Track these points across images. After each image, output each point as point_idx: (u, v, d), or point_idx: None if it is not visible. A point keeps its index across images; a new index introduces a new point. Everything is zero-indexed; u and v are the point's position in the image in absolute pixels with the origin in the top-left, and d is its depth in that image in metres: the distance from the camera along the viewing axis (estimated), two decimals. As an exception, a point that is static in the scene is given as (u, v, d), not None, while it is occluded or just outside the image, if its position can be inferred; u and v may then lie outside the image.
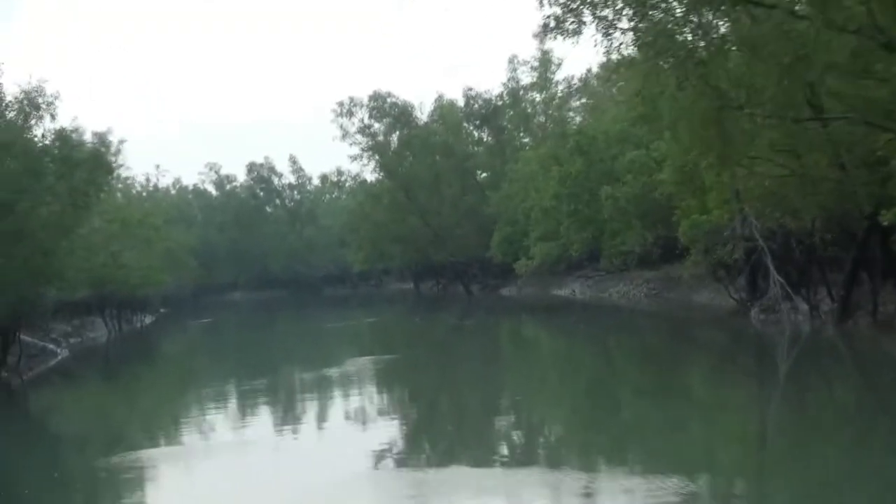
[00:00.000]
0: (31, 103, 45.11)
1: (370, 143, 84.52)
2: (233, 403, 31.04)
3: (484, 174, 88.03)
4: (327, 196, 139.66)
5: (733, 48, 23.53)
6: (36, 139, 44.69)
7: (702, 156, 28.23)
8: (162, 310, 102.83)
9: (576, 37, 32.82)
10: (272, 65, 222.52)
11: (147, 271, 72.11)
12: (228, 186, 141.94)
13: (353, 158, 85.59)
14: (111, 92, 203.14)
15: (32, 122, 45.31)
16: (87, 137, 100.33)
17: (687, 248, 44.93)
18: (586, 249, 58.39)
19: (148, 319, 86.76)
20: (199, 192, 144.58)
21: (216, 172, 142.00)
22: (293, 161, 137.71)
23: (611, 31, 27.71)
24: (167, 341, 67.77)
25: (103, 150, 47.09)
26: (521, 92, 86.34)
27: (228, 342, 60.93)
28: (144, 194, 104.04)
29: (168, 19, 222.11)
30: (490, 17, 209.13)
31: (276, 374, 37.72)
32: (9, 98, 43.24)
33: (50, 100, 45.34)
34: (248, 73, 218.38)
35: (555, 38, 33.28)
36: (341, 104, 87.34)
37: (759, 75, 21.98)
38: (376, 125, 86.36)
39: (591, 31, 31.44)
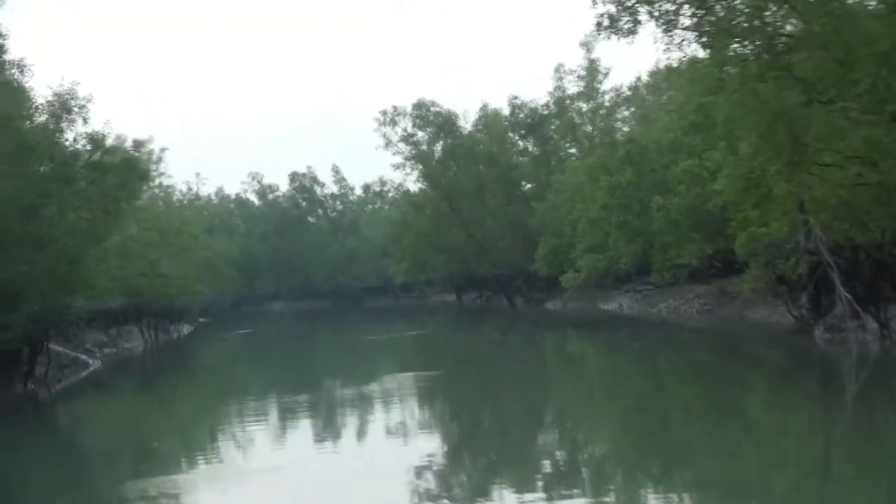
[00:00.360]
0: (63, 106, 43.70)
1: (413, 151, 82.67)
2: (271, 420, 29.25)
3: (528, 185, 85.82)
4: (370, 206, 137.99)
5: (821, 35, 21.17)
6: (67, 143, 43.36)
7: (769, 162, 25.99)
8: (201, 319, 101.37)
9: (630, 36, 30.86)
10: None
11: (185, 281, 70.59)
12: (271, 196, 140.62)
13: (396, 167, 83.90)
14: (144, 98, 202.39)
15: (64, 125, 44.14)
16: (128, 144, 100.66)
17: (743, 262, 42.70)
18: (635, 262, 56.06)
19: (186, 329, 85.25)
20: (241, 202, 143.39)
21: (258, 182, 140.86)
22: (336, 171, 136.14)
23: (672, 27, 25.66)
24: (205, 352, 66.11)
25: (136, 154, 44.46)
26: (568, 101, 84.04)
27: (267, 353, 59.14)
28: (185, 202, 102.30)
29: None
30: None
31: (315, 389, 35.90)
32: (39, 100, 41.86)
33: (82, 103, 44.00)
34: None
35: (608, 37, 31.38)
36: (384, 112, 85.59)
37: (852, 65, 19.66)
38: (420, 134, 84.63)
39: (647, 30, 29.68)
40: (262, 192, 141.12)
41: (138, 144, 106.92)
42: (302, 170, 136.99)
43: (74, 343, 56.83)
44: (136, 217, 64.88)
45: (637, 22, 30.16)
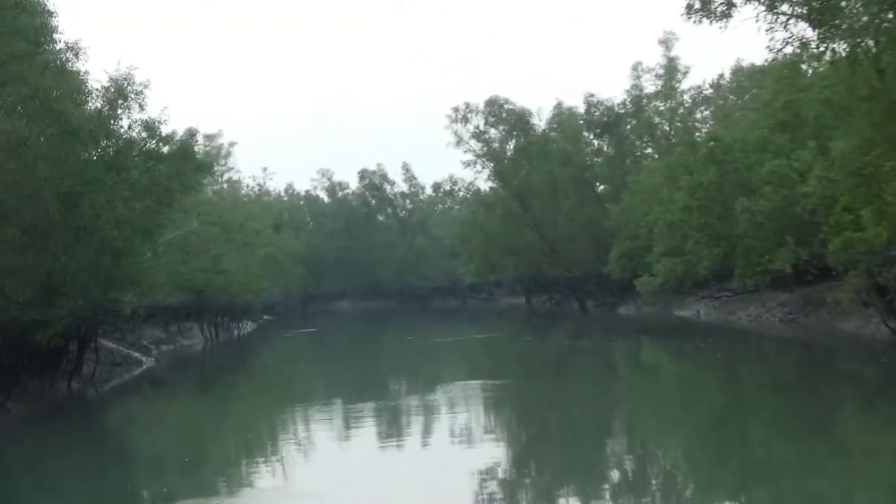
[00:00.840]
0: (119, 92, 41.54)
1: (484, 149, 79.88)
2: (329, 431, 26.69)
3: (602, 186, 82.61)
4: (440, 206, 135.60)
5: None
6: (122, 130, 41.20)
7: (883, 157, 22.88)
8: (266, 317, 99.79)
9: (724, 20, 28.15)
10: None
11: (247, 277, 68.52)
12: (340, 193, 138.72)
13: (466, 165, 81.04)
14: (215, 92, 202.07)
15: (120, 111, 41.99)
16: (198, 138, 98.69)
17: (834, 269, 39.43)
18: (715, 267, 52.77)
19: (250, 327, 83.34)
20: (310, 199, 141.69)
21: (328, 179, 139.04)
22: (406, 169, 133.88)
23: (776, 4, 22.72)
24: (265, 351, 63.95)
25: (191, 142, 42.08)
26: (644, 101, 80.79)
27: (330, 354, 56.90)
28: (252, 197, 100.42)
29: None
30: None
31: (377, 396, 33.38)
32: (94, 85, 39.73)
33: (139, 89, 41.80)
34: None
35: (699, 21, 28.70)
36: (456, 109, 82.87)
37: None
38: (492, 132, 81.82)
39: (742, 13, 27.11)
40: (332, 189, 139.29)
41: (209, 138, 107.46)
42: (371, 167, 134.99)
43: (130, 339, 55.04)
44: (198, 211, 63.04)
45: (732, 4, 27.39)
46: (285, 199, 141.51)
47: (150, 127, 41.10)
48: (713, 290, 61.59)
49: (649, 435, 23.64)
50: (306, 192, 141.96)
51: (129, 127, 41.13)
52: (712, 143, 50.07)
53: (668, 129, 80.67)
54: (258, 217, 75.83)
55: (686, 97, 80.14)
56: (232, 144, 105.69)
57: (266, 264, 78.53)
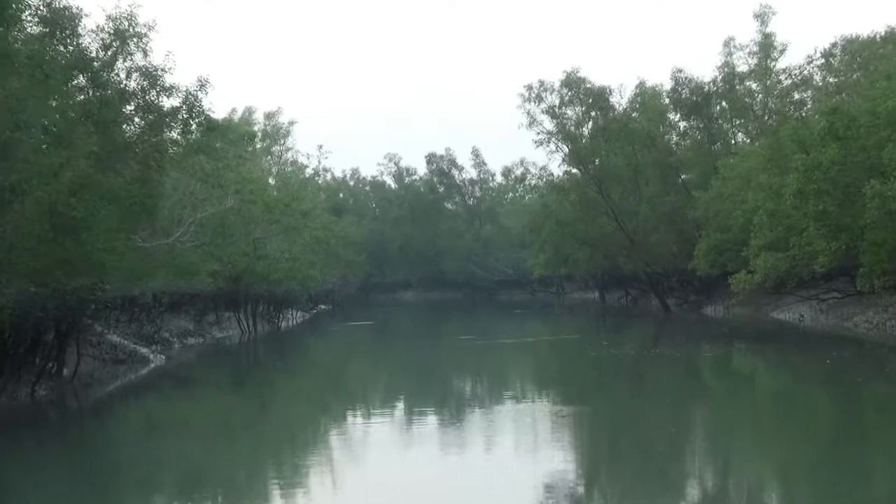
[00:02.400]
0: (117, 33, 33.40)
1: (559, 129, 70.66)
2: (358, 464, 18.84)
3: (687, 174, 72.97)
4: (510, 195, 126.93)
5: None
6: (118, 79, 33.03)
7: None
8: (321, 307, 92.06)
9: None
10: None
11: (293, 263, 60.38)
12: (407, 179, 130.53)
13: (539, 144, 71.78)
14: (275, 75, 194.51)
15: (119, 58, 33.84)
16: (258, 117, 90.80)
17: None
18: (835, 264, 43.50)
19: (299, 317, 75.25)
20: (376, 184, 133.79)
21: (395, 164, 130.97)
22: (475, 154, 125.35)
23: None
24: (309, 347, 55.49)
25: (202, 96, 33.68)
26: (736, 81, 71.12)
27: (381, 355, 48.12)
28: (302, 176, 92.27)
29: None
30: None
31: (419, 415, 24.93)
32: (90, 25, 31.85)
33: (143, 30, 33.65)
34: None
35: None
36: (529, 87, 74.03)
37: None
38: (568, 112, 72.62)
39: None
40: (399, 174, 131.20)
41: (269, 116, 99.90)
42: (440, 152, 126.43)
43: (148, 331, 47.17)
44: (236, 188, 55.28)
45: None
46: (351, 184, 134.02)
47: (151, 75, 33.16)
48: (819, 291, 52.04)
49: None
50: (373, 177, 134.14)
51: (128, 74, 33.65)
52: (833, 115, 40.56)
53: (761, 111, 71.09)
54: (308, 198, 67.32)
55: (783, 77, 70.39)
56: (292, 123, 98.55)
57: (318, 250, 70.52)
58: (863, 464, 17.46)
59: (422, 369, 37.84)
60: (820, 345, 40.67)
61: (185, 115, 33.35)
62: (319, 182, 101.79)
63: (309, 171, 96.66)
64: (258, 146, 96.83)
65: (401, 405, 27.74)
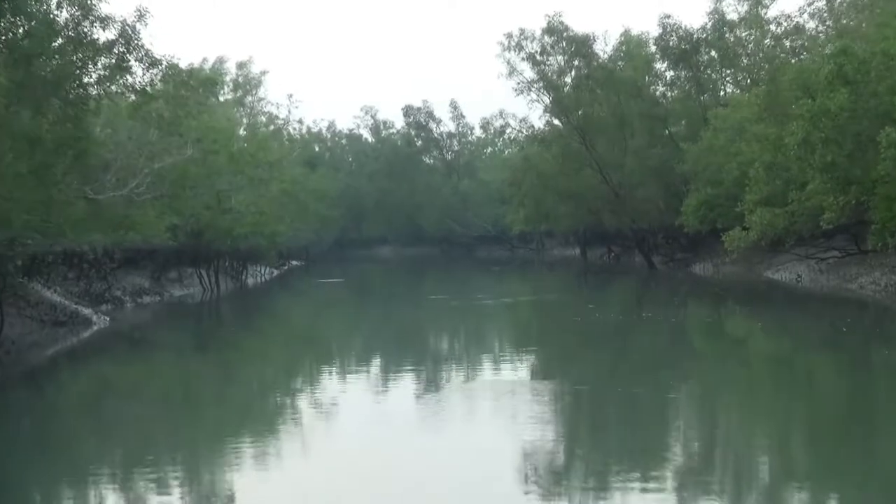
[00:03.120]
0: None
1: (540, 75, 66.31)
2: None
3: (674, 126, 68.84)
4: (489, 149, 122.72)
5: None
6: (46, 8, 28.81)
7: None
8: (294, 263, 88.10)
9: None
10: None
11: (259, 217, 56.37)
12: (384, 133, 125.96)
13: (519, 92, 67.50)
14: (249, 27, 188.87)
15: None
16: (230, 67, 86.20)
17: None
18: (843, 220, 39.62)
19: (269, 274, 71.22)
20: (353, 137, 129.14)
21: (372, 116, 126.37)
22: (454, 107, 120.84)
23: None
24: (268, 308, 51.24)
25: (140, 27, 29.47)
26: (726, 29, 66.78)
27: (342, 317, 44.13)
28: (272, 128, 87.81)
29: None
30: None
31: (386, 395, 20.92)
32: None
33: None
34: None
35: None
36: (509, 35, 69.67)
37: None
38: (550, 61, 68.27)
39: None
40: (376, 127, 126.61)
41: (240, 66, 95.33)
42: (417, 104, 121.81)
43: (97, 289, 43.24)
44: (197, 136, 51.22)
45: None
46: (327, 137, 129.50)
47: (84, 4, 28.94)
48: (818, 250, 48.31)
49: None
50: (349, 130, 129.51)
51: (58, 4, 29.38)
52: (842, 57, 36.60)
53: (752, 61, 67.07)
54: (276, 149, 63.00)
55: (773, 26, 66.30)
56: (263, 73, 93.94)
57: (288, 204, 66.48)
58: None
59: (386, 335, 33.89)
60: (824, 308, 37.05)
61: (121, 50, 29.21)
62: (292, 133, 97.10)
63: (279, 122, 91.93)
64: (229, 97, 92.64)
65: (361, 381, 23.80)
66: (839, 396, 19.28)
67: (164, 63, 31.90)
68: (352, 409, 18.81)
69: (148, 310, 44.62)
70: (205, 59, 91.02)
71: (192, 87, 53.71)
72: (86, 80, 28.18)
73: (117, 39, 29.06)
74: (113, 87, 30.43)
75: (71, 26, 28.59)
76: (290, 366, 27.16)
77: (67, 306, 36.34)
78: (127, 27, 29.06)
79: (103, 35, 29.13)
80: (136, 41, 29.25)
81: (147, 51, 29.92)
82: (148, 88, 33.01)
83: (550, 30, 67.05)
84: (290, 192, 62.50)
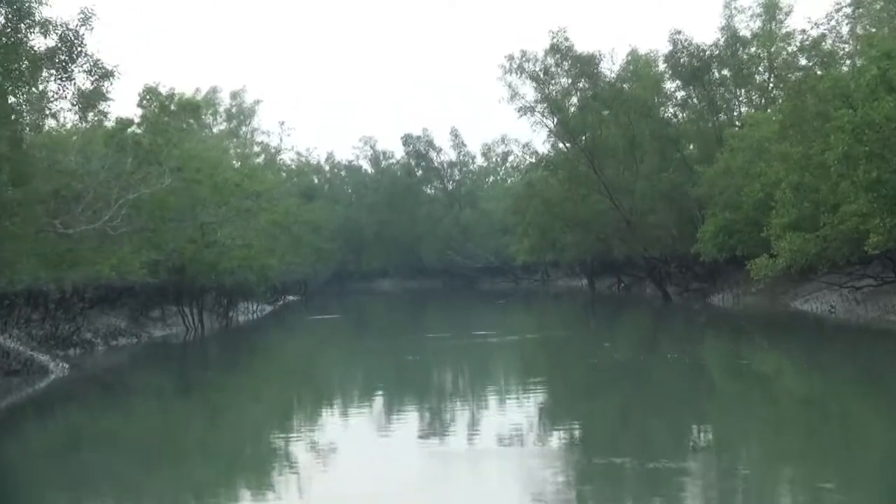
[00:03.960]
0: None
1: (544, 96, 61.74)
2: None
3: (687, 148, 64.36)
4: (491, 178, 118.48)
5: None
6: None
7: None
8: (290, 298, 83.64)
9: None
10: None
11: (246, 251, 52.13)
12: (384, 163, 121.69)
13: (523, 112, 62.97)
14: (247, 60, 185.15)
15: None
16: (224, 96, 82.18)
17: None
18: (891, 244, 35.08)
19: (260, 311, 66.68)
20: (352, 169, 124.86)
21: (371, 147, 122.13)
22: (454, 135, 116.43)
23: None
24: (252, 348, 46.26)
25: (84, 31, 25.22)
26: (738, 46, 62.47)
27: (334, 358, 39.51)
28: (263, 157, 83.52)
29: None
30: None
31: (370, 469, 16.49)
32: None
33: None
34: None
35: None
36: (511, 58, 65.51)
37: None
38: (552, 84, 63.76)
39: None
40: (376, 158, 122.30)
41: (234, 96, 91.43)
42: (416, 132, 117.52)
43: (64, 332, 38.92)
44: (177, 165, 47.16)
45: None
46: (326, 168, 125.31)
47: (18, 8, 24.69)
48: (851, 278, 43.83)
49: None
50: (348, 161, 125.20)
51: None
52: (886, 61, 32.27)
53: (767, 80, 62.89)
54: (263, 178, 58.61)
55: (786, 42, 62.13)
56: (257, 102, 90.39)
57: (279, 237, 62.21)
58: None
59: (376, 383, 29.32)
60: (868, 342, 32.53)
61: (63, 58, 24.97)
62: (287, 162, 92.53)
63: (272, 151, 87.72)
64: (222, 127, 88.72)
65: (344, 438, 19.35)
66: None
67: (117, 74, 27.21)
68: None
69: (122, 353, 40.43)
70: (197, 90, 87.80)
71: (172, 113, 49.88)
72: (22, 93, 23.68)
73: (58, 46, 24.76)
74: (67, 107, 25.93)
75: (7, 32, 24.44)
76: (259, 422, 22.68)
77: (22, 353, 31.89)
78: (69, 32, 24.75)
79: (43, 42, 24.97)
80: (79, 48, 24.90)
81: (96, 60, 25.53)
82: (103, 105, 28.60)
83: (554, 48, 62.53)
84: (280, 224, 58.05)
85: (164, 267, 48.17)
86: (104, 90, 28.60)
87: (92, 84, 27.32)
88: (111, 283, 44.08)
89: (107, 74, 27.00)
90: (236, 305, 61.90)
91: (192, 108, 48.16)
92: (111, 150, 46.51)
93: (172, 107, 48.98)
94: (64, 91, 26.45)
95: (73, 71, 25.66)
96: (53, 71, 25.26)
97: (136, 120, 48.73)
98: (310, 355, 41.39)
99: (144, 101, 48.15)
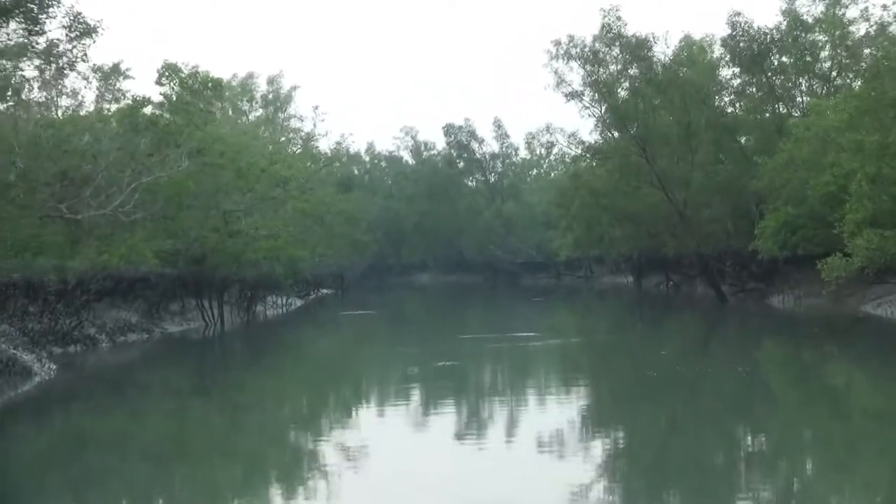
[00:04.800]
0: None
1: (591, 81, 56.79)
2: None
3: (744, 138, 59.52)
4: (534, 171, 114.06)
5: None
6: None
7: None
8: (325, 291, 79.66)
9: None
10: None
11: (273, 241, 48.17)
12: (426, 154, 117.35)
13: (570, 97, 58.21)
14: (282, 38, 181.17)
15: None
16: (261, 82, 78.17)
17: None
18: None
19: (290, 305, 62.68)
20: (393, 160, 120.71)
21: (412, 137, 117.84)
22: (497, 125, 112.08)
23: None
24: (270, 348, 41.79)
25: None
26: (798, 31, 57.47)
27: (355, 361, 35.23)
28: (297, 146, 79.48)
29: None
30: None
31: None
32: None
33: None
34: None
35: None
36: (557, 43, 61.04)
37: None
38: (601, 71, 58.87)
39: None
40: (417, 149, 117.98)
41: (271, 81, 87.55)
42: (458, 122, 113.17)
43: (66, 326, 35.15)
44: (196, 147, 43.41)
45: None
46: (366, 159, 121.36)
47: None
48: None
49: None
50: (389, 152, 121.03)
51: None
52: None
53: (830, 66, 58.11)
54: (291, 164, 54.40)
55: (856, 27, 57.24)
56: (294, 88, 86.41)
57: (311, 227, 58.25)
58: None
59: (399, 394, 25.11)
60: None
61: (31, 5, 20.98)
62: (320, 149, 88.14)
63: (302, 136, 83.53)
64: (258, 113, 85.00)
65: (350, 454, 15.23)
66: None
67: (101, 30, 23.21)
68: None
69: (129, 350, 36.62)
70: (234, 75, 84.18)
71: (194, 91, 46.01)
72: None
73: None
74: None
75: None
76: (259, 439, 18.57)
77: (3, 351, 28.01)
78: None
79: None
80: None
81: (77, 14, 21.55)
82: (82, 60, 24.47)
83: (605, 28, 57.18)
84: (309, 214, 53.89)
85: (183, 257, 44.46)
86: (85, 48, 24.45)
87: (70, 42, 23.25)
88: (122, 274, 40.39)
89: (88, 31, 23.09)
90: (264, 299, 57.95)
91: (215, 86, 44.17)
92: (123, 130, 42.91)
93: (196, 85, 45.02)
94: (34, 46, 22.34)
95: (44, 22, 21.68)
96: (22, 21, 21.31)
97: (160, 99, 45.12)
98: (326, 358, 37.03)
99: (164, 79, 44.22)
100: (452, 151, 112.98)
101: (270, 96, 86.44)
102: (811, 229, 45.45)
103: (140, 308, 43.84)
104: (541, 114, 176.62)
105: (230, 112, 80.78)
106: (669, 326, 45.93)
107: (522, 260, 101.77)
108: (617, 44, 55.37)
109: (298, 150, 77.14)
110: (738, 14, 54.66)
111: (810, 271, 50.43)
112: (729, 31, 54.99)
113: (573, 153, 76.95)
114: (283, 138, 78.86)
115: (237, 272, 47.52)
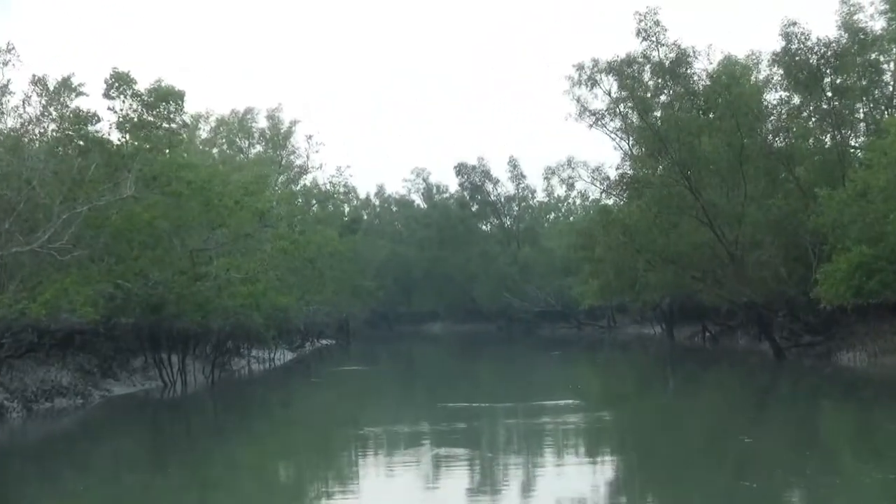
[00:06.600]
0: None
1: (627, 95, 47.95)
2: None
3: (800, 168, 50.29)
4: (552, 214, 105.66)
5: None
6: None
7: None
8: (323, 342, 71.43)
9: None
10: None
11: (250, 287, 39.83)
12: (438, 197, 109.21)
13: (596, 119, 49.73)
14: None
15: None
16: (262, 116, 70.02)
17: None
18: None
19: (280, 358, 54.15)
20: (404, 203, 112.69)
21: (423, 180, 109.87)
22: (513, 165, 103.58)
23: None
24: (240, 417, 33.00)
25: None
26: (856, 48, 48.74)
27: (310, 447, 25.96)
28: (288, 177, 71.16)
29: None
30: None
31: None
32: None
33: None
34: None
35: None
36: (580, 67, 52.86)
37: None
38: (637, 82, 49.90)
39: None
40: (428, 191, 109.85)
41: (271, 116, 79.69)
42: (471, 160, 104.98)
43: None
44: (152, 172, 35.41)
45: None
46: (376, 203, 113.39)
47: None
48: None
49: None
50: (399, 195, 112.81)
51: None
52: None
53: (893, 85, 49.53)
54: (259, 191, 45.34)
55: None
56: (294, 123, 78.23)
57: (301, 270, 50.03)
58: None
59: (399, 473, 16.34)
60: None
61: None
62: (318, 183, 79.16)
63: (296, 169, 75.03)
64: (258, 149, 77.29)
65: None
66: None
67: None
68: None
69: (49, 421, 28.31)
70: (234, 111, 76.81)
71: (148, 105, 37.73)
72: None
73: None
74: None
75: None
76: None
77: None
78: None
79: None
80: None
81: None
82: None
83: (641, 34, 48.01)
84: (292, 254, 45.36)
85: (137, 304, 36.08)
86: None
87: None
88: (50, 325, 32.13)
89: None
90: (247, 353, 49.57)
91: (175, 99, 35.91)
92: (62, 151, 34.86)
93: (150, 98, 36.76)
94: None
95: None
96: None
97: (115, 116, 36.83)
98: (280, 443, 27.88)
99: (112, 91, 36.00)
100: (465, 194, 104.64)
101: (268, 133, 78.70)
102: (890, 273, 36.81)
103: (79, 366, 35.36)
104: (558, 152, 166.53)
105: (227, 149, 73.62)
106: (725, 392, 36.75)
107: (539, 308, 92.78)
108: (655, 54, 46.51)
109: (292, 185, 68.94)
110: (794, 24, 45.97)
111: (882, 323, 41.94)
112: (783, 44, 46.27)
113: (597, 189, 68.28)
114: (278, 175, 70.58)
115: (205, 322, 38.97)
